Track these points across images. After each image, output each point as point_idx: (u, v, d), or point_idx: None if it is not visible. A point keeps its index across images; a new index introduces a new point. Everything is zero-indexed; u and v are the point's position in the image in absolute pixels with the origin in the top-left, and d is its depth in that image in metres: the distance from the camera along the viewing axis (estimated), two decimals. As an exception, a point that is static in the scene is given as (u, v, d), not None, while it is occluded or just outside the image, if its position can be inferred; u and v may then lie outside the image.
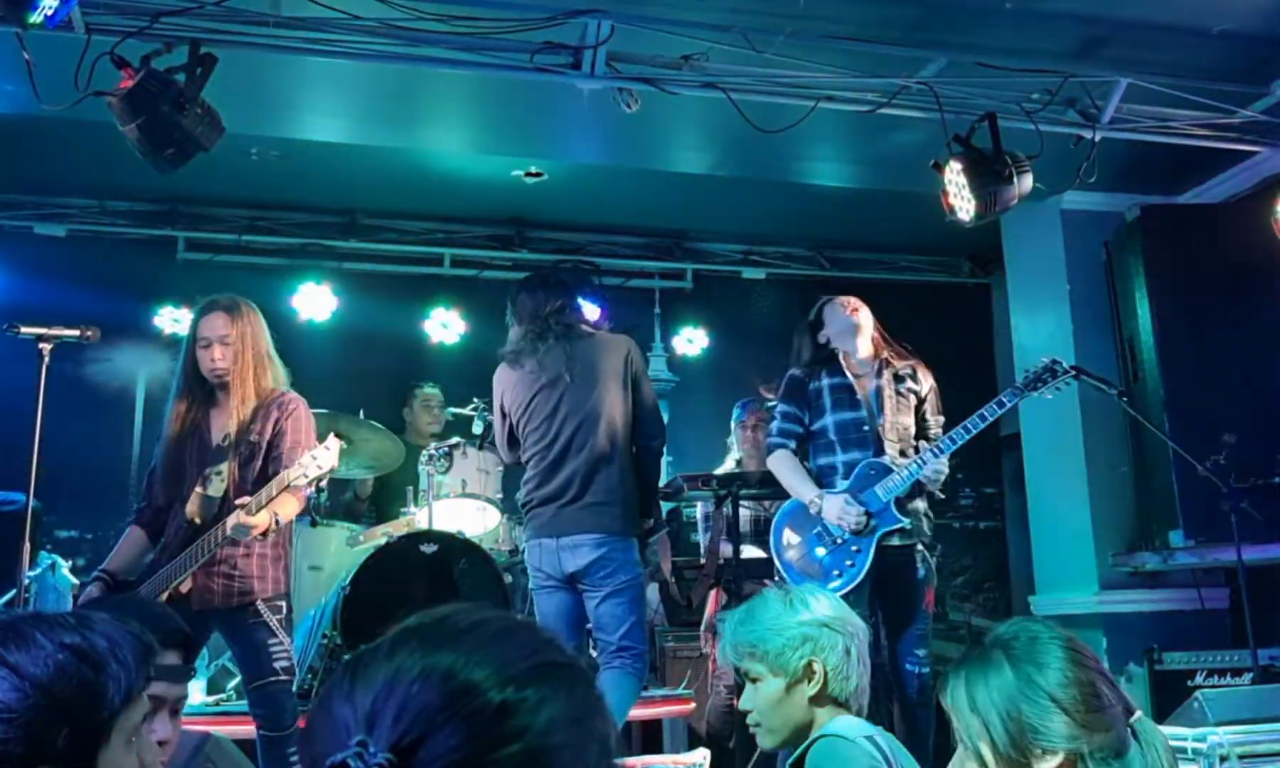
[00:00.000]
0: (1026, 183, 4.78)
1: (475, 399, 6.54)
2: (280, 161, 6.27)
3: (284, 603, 3.75)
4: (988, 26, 4.67)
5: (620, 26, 4.42)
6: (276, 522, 3.60)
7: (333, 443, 3.61)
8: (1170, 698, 5.19)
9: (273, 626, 3.65)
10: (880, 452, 4.39)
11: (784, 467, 4.50)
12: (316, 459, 3.56)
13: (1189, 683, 5.35)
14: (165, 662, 2.21)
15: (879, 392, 4.48)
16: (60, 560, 5.66)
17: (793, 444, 4.52)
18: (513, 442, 4.50)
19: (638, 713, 5.24)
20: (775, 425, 4.58)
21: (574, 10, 4.35)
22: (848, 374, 4.51)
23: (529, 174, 6.64)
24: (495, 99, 5.40)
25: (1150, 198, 6.11)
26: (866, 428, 4.43)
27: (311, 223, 7.29)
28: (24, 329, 4.08)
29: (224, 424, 3.81)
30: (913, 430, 4.51)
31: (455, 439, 6.14)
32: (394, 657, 0.87)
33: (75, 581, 5.68)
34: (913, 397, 4.54)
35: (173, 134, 3.90)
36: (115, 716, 1.54)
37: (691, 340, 7.89)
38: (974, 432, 4.34)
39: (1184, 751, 4.00)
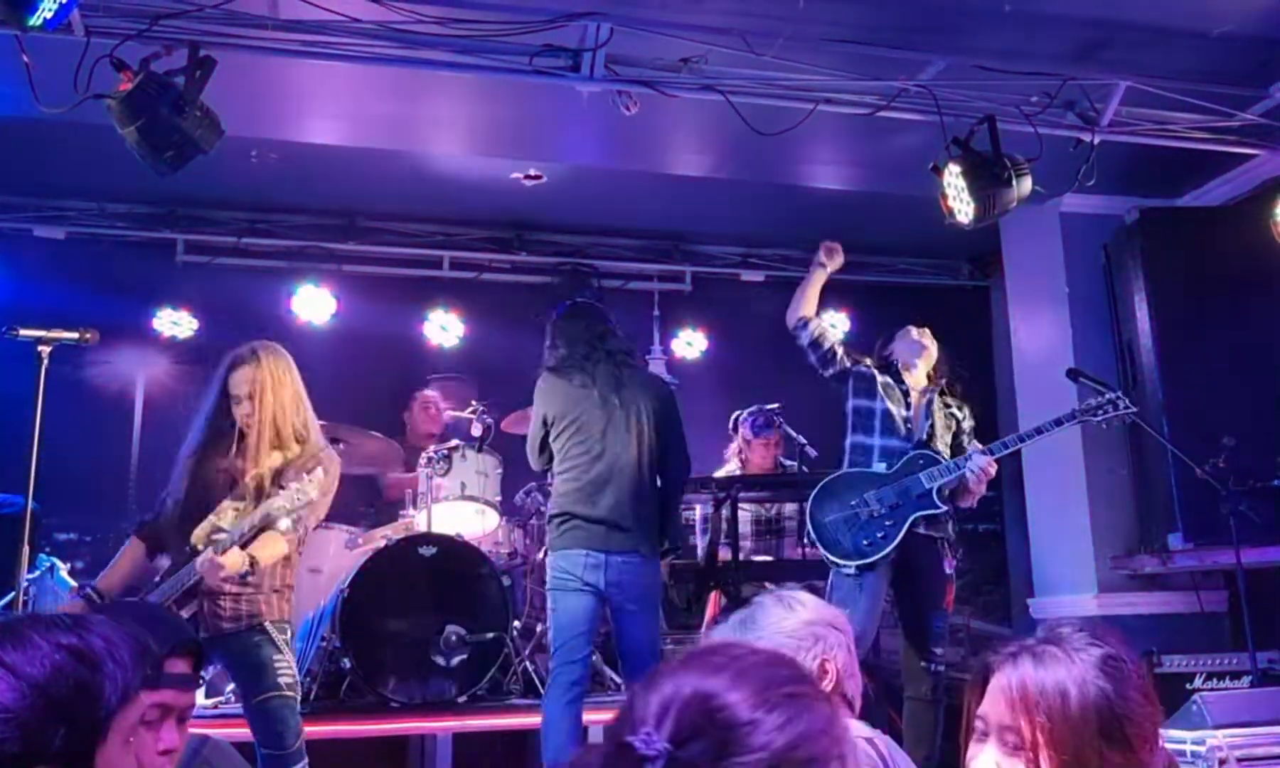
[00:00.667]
0: (1026, 186, 4.79)
1: (474, 402, 6.55)
2: (279, 164, 6.26)
3: (288, 628, 3.75)
4: (987, 29, 4.67)
5: (619, 29, 4.42)
6: (252, 564, 3.51)
7: (314, 474, 3.57)
8: (1169, 701, 5.17)
9: (278, 643, 3.64)
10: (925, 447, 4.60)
11: None
12: (300, 490, 3.53)
13: (1188, 686, 5.34)
14: (174, 671, 2.21)
15: (930, 404, 4.70)
16: (59, 563, 5.65)
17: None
18: (543, 449, 4.63)
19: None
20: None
21: (573, 13, 4.35)
22: (906, 382, 4.75)
23: (528, 176, 6.63)
24: (494, 102, 5.41)
25: (1149, 201, 6.12)
26: (911, 426, 4.64)
27: (310, 225, 7.29)
28: (23, 332, 4.07)
29: (252, 467, 3.74)
30: (951, 447, 4.69)
31: (454, 442, 6.14)
32: (681, 675, 1.11)
33: (74, 583, 5.68)
34: (954, 422, 4.74)
35: (172, 136, 3.90)
36: (112, 715, 1.55)
37: (690, 343, 7.88)
38: (1024, 443, 4.77)
39: (1183, 753, 4.00)
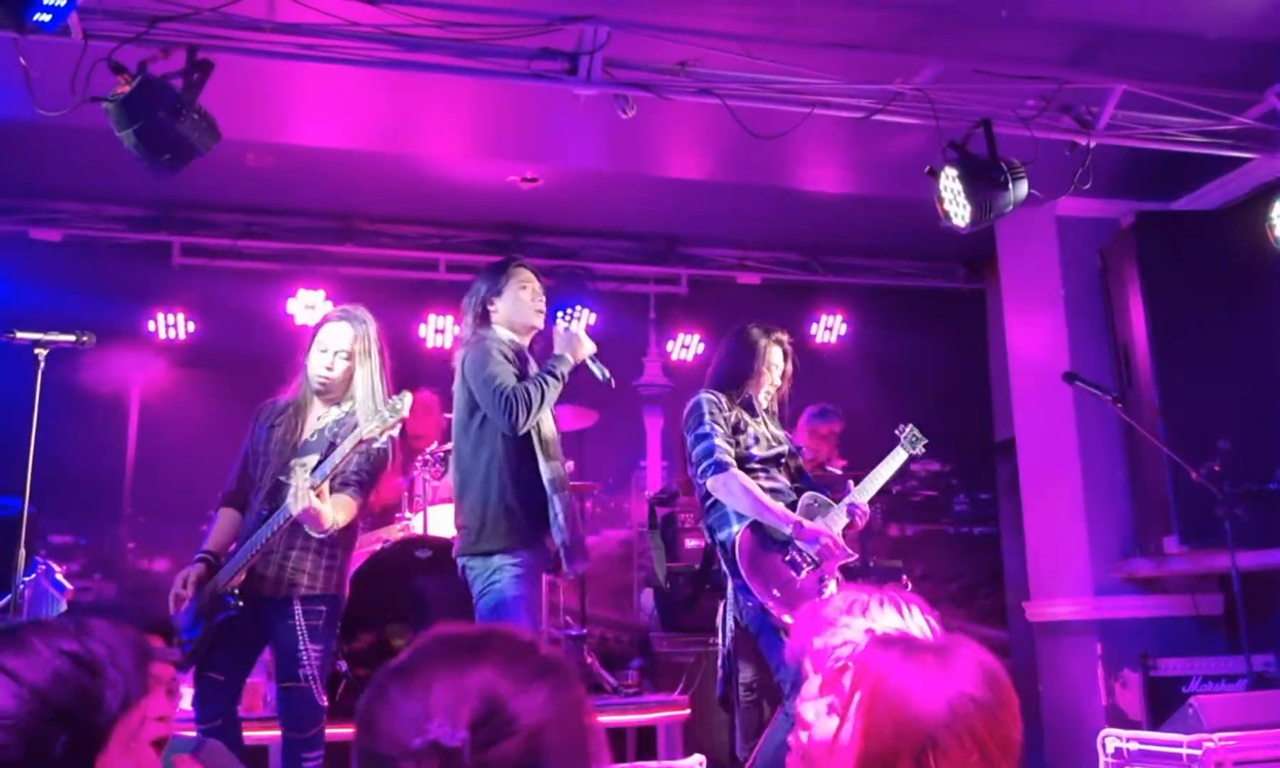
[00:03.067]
0: (1022, 189, 4.79)
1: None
2: (275, 166, 6.26)
3: (325, 606, 3.74)
4: (983, 32, 4.69)
5: (616, 32, 4.42)
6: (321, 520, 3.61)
7: (406, 396, 3.68)
8: (1164, 704, 5.23)
9: (302, 630, 3.66)
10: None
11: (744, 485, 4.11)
12: (393, 409, 3.61)
13: (1183, 689, 5.37)
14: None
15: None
16: (54, 566, 5.64)
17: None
18: None
19: (633, 718, 5.26)
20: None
21: (571, 16, 4.36)
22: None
23: (524, 179, 6.64)
24: (490, 104, 5.41)
25: (1145, 204, 6.13)
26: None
27: (306, 228, 7.28)
28: (20, 334, 4.08)
29: (317, 422, 3.86)
30: None
31: (450, 445, 6.13)
32: (451, 669, 1.21)
33: (69, 586, 5.67)
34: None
35: (169, 139, 3.90)
36: (114, 722, 1.54)
37: (686, 345, 7.89)
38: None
39: (1179, 756, 4.02)
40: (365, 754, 1.21)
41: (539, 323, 4.25)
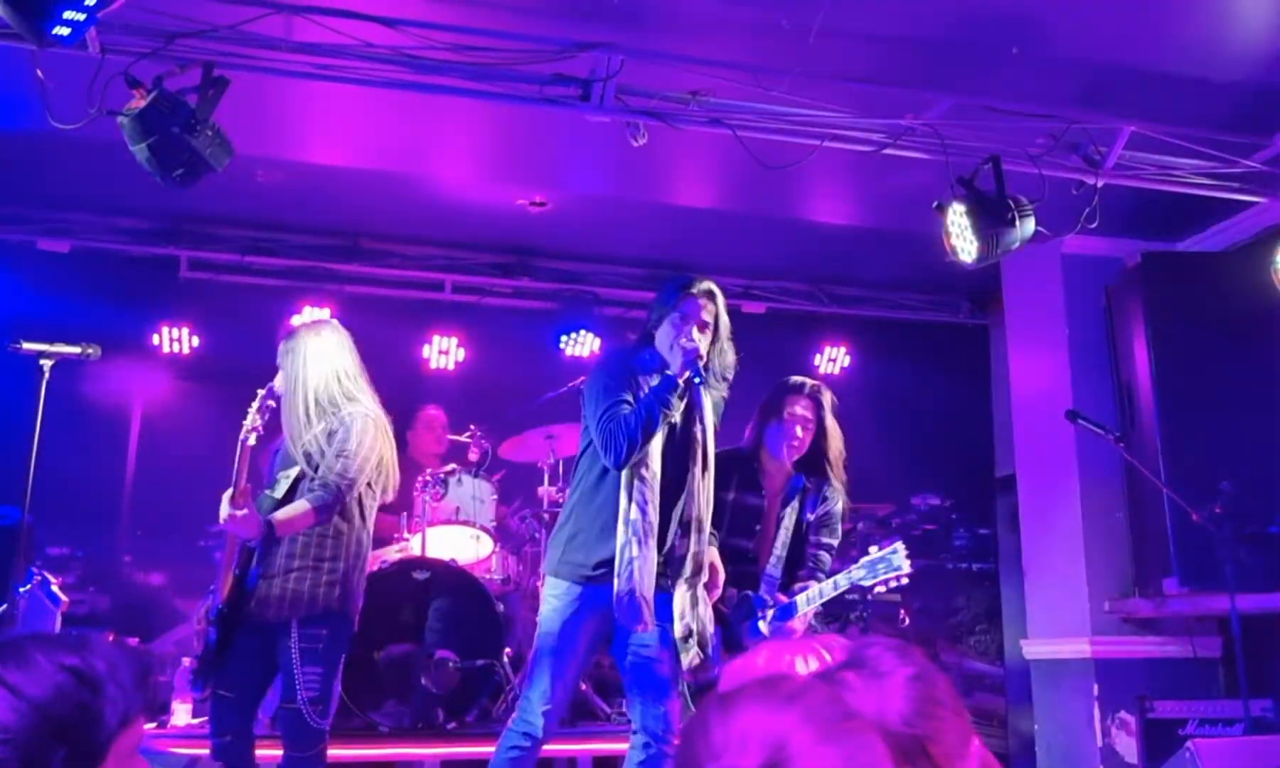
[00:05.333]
0: (1029, 226, 4.81)
1: (471, 426, 6.55)
2: (285, 183, 6.28)
3: (326, 628, 3.70)
4: (994, 70, 4.71)
5: (630, 60, 4.45)
6: (270, 528, 3.62)
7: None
8: (1161, 747, 5.19)
9: (297, 653, 3.64)
10: None
11: None
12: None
13: (1180, 732, 5.34)
14: None
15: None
16: (50, 577, 5.63)
17: None
18: None
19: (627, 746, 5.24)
20: None
21: (585, 43, 4.38)
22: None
23: (533, 203, 6.65)
24: (501, 128, 5.43)
25: (1151, 244, 6.15)
26: None
27: (314, 245, 7.29)
28: (26, 345, 4.08)
29: (296, 437, 3.86)
30: None
31: (450, 466, 6.14)
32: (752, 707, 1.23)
33: (64, 597, 5.66)
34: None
35: (183, 154, 3.92)
36: (112, 738, 1.54)
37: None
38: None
39: (1177, 801, 3.99)
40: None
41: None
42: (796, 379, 4.57)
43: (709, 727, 1.22)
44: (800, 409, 4.46)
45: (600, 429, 3.58)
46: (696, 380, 3.64)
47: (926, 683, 1.59)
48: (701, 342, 3.66)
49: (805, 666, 1.79)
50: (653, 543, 3.55)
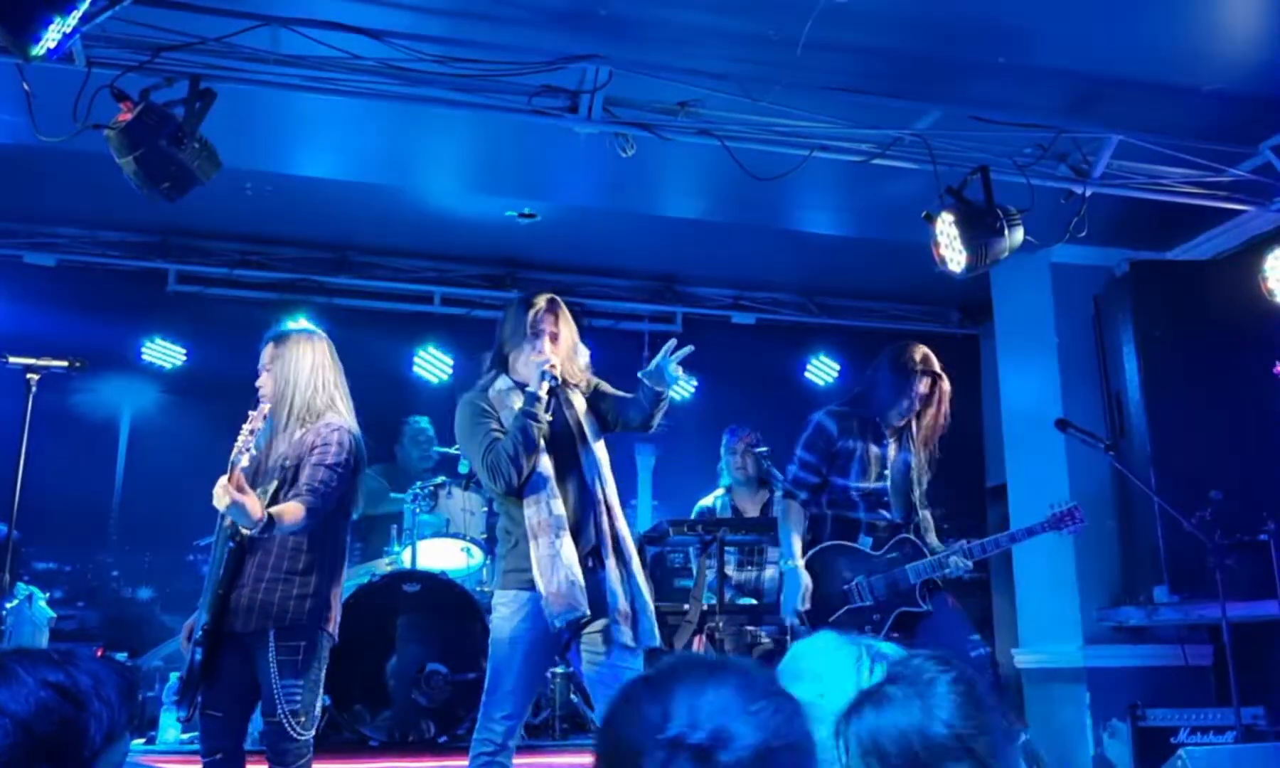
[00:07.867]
0: (1017, 236, 4.82)
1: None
2: (273, 196, 6.27)
3: (303, 640, 3.60)
4: (982, 80, 4.72)
5: (618, 71, 4.45)
6: (269, 518, 3.42)
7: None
8: (1153, 755, 5.19)
9: (273, 666, 3.58)
10: None
11: None
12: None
13: (1172, 740, 5.33)
14: None
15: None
16: (38, 592, 5.60)
17: None
18: None
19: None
20: None
21: (574, 55, 4.38)
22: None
23: (522, 215, 6.65)
24: (490, 140, 5.43)
25: (1139, 253, 6.17)
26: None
27: (303, 258, 7.28)
28: (13, 359, 4.06)
29: (276, 446, 3.78)
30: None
31: (440, 479, 6.12)
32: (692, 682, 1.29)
33: (53, 613, 5.63)
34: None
35: (170, 168, 3.90)
36: (97, 755, 1.52)
37: (679, 384, 7.87)
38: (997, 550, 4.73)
39: (1169, 809, 3.98)
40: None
41: None
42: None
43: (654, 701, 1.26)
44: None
45: (485, 465, 3.68)
46: (555, 385, 3.74)
47: (967, 685, 1.63)
48: (551, 352, 3.76)
49: (869, 673, 1.86)
50: (565, 534, 3.61)
